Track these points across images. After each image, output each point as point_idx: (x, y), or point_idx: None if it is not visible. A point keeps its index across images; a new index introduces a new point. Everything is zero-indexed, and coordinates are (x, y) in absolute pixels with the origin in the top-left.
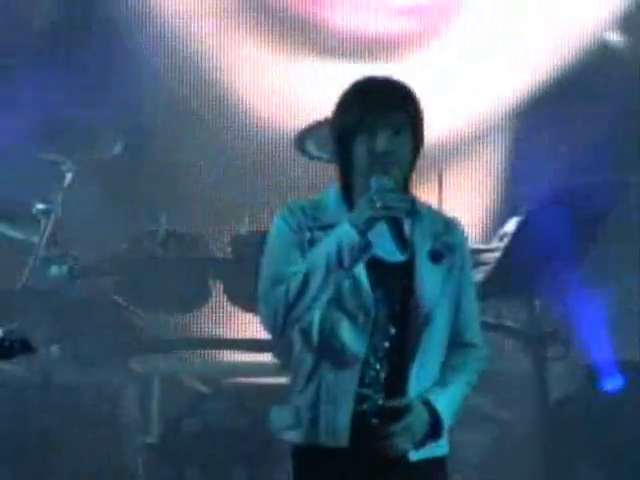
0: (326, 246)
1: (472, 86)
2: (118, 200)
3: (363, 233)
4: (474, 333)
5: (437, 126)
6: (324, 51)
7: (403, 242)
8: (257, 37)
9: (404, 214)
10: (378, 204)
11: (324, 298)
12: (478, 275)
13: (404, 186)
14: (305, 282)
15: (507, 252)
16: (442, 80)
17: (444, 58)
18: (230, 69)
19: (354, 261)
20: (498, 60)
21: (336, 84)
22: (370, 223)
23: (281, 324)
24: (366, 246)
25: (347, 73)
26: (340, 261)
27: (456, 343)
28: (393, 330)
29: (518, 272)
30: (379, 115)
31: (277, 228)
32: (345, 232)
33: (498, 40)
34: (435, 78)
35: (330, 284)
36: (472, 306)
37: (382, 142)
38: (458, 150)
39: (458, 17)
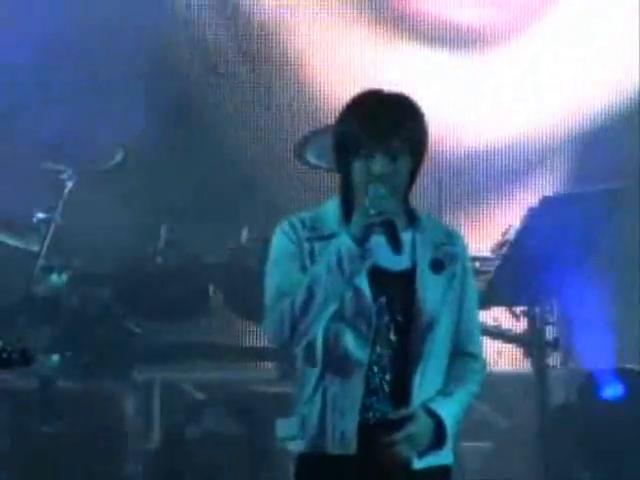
0: (327, 258)
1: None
2: (118, 209)
3: (361, 242)
4: (476, 344)
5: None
6: (412, 39)
7: (397, 245)
8: (346, 25)
9: (399, 218)
10: (372, 210)
11: (329, 310)
12: (478, 283)
13: (404, 199)
14: (309, 295)
15: (507, 260)
16: (520, 77)
17: (526, 54)
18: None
19: (355, 270)
20: (577, 66)
21: (423, 70)
22: (367, 230)
23: (288, 337)
24: (366, 254)
25: (435, 60)
26: (341, 271)
27: (458, 353)
28: (395, 338)
29: (518, 279)
30: (375, 141)
31: (277, 240)
32: (343, 242)
33: (583, 46)
34: (514, 74)
35: (334, 296)
36: (473, 316)
37: (378, 166)
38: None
39: (548, 15)
